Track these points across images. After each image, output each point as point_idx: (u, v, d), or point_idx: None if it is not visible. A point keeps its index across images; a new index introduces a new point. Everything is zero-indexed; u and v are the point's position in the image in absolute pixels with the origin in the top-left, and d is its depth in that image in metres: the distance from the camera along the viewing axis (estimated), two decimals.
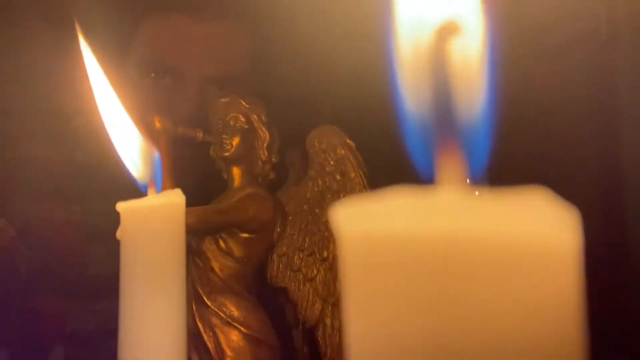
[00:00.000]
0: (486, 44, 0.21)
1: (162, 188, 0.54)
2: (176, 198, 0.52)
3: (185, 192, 0.54)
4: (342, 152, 0.73)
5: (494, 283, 0.18)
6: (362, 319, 0.20)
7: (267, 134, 0.79)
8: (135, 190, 0.99)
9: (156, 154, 0.52)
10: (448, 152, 0.20)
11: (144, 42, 1.01)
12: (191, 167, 0.83)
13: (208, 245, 0.75)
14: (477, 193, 0.19)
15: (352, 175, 0.72)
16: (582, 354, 0.18)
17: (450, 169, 0.20)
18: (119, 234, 0.53)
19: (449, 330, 0.19)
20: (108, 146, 1.01)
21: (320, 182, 0.76)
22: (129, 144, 0.50)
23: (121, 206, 0.51)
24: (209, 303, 0.74)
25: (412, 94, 0.22)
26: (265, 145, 0.79)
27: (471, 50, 0.21)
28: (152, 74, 0.99)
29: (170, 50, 1.00)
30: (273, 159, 0.79)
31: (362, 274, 0.20)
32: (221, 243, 0.75)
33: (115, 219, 1.01)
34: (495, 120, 0.20)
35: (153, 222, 0.51)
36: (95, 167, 1.01)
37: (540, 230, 0.18)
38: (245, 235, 0.75)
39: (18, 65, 1.04)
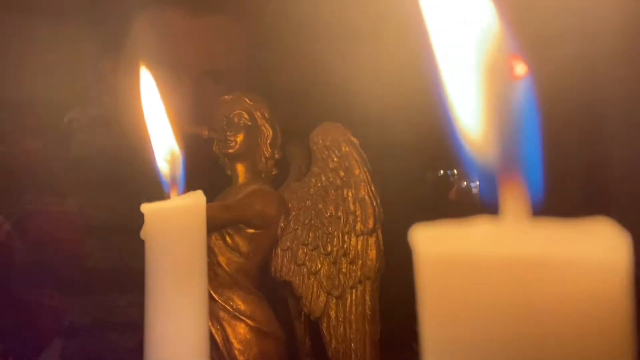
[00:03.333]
0: (532, 87, 0.25)
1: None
2: (198, 199, 0.55)
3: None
4: (347, 149, 0.77)
5: (556, 301, 0.22)
6: (437, 332, 0.24)
7: (270, 130, 0.82)
8: (133, 185, 1.02)
9: (180, 155, 0.55)
10: (511, 185, 0.24)
11: (140, 36, 1.03)
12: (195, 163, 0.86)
13: (215, 241, 0.79)
14: (543, 222, 0.22)
15: (357, 172, 0.75)
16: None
17: (513, 200, 0.24)
18: (143, 234, 0.56)
19: (518, 344, 0.22)
20: (105, 140, 1.03)
21: (323, 178, 0.79)
22: (160, 143, 0.53)
23: (145, 207, 0.54)
24: (216, 297, 0.77)
25: (473, 130, 0.25)
26: (268, 141, 0.82)
27: (523, 92, 0.25)
28: (149, 67, 1.01)
29: (166, 44, 1.02)
30: (276, 155, 0.83)
31: (437, 291, 0.24)
32: (228, 239, 0.79)
33: (110, 213, 1.04)
34: (547, 153, 0.24)
35: (176, 223, 0.54)
36: (91, 161, 1.03)
37: (597, 253, 0.22)
38: (251, 230, 0.79)
39: (13, 59, 1.06)
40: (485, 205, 0.24)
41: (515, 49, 0.24)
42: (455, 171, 1.31)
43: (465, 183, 1.31)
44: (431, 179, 1.34)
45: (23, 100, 1.09)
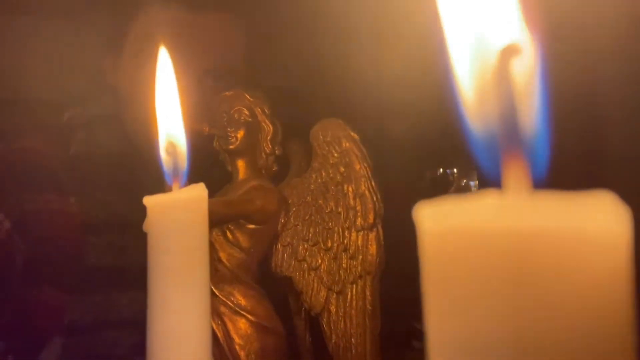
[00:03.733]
0: (539, 59, 0.26)
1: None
2: (200, 192, 0.56)
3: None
4: (347, 144, 0.77)
5: (558, 272, 0.22)
6: (441, 307, 0.25)
7: (270, 126, 0.83)
8: (134, 183, 1.02)
9: (185, 148, 0.55)
10: (513, 161, 0.24)
11: (141, 33, 1.03)
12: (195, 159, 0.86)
13: (215, 237, 0.79)
14: (544, 195, 0.23)
15: (357, 167, 0.76)
16: (633, 331, 0.22)
17: (516, 175, 0.24)
18: (145, 226, 0.56)
19: (521, 315, 0.23)
20: (105, 138, 1.04)
21: (323, 173, 0.80)
22: (165, 135, 0.54)
23: (148, 200, 0.55)
24: (217, 292, 0.77)
25: (476, 107, 0.26)
26: (268, 138, 0.82)
27: (527, 67, 0.26)
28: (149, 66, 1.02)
29: (167, 42, 1.02)
30: (276, 152, 0.83)
31: (441, 266, 0.24)
32: (228, 234, 0.79)
33: (111, 211, 1.04)
34: (552, 129, 0.25)
35: (178, 215, 0.55)
36: (91, 159, 1.03)
37: (598, 226, 0.22)
38: (251, 226, 0.79)
39: (13, 57, 1.06)
40: (487, 179, 0.25)
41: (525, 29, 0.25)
42: (455, 170, 1.32)
43: (464, 181, 1.32)
44: (430, 177, 1.35)
45: (23, 98, 1.09)
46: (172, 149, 0.56)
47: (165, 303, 0.54)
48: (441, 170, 1.33)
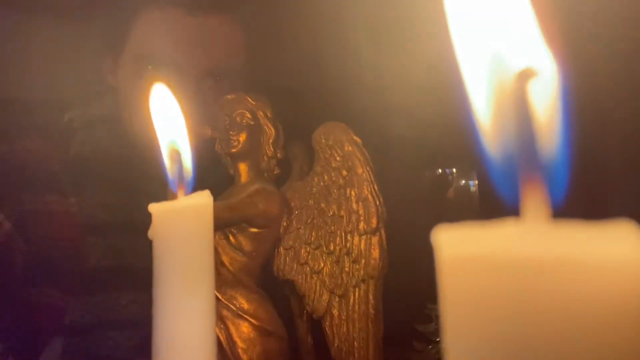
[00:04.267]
0: (559, 85, 0.26)
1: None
2: (205, 199, 0.56)
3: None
4: (350, 148, 0.77)
5: (576, 301, 0.23)
6: (459, 333, 0.25)
7: (272, 130, 0.83)
8: (134, 184, 1.02)
9: (189, 156, 0.56)
10: (532, 187, 0.24)
11: (141, 35, 1.03)
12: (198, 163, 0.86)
13: (218, 241, 0.79)
14: (564, 224, 0.23)
15: (360, 171, 0.76)
16: None
17: (535, 202, 0.24)
18: (150, 233, 0.56)
19: (539, 344, 0.23)
20: (106, 139, 1.03)
21: (326, 177, 0.80)
22: (168, 145, 0.54)
23: (153, 207, 0.55)
24: (219, 296, 0.77)
25: (493, 131, 0.26)
26: (270, 141, 0.83)
27: (547, 91, 0.26)
28: (150, 67, 1.02)
29: (167, 44, 1.02)
30: (278, 155, 0.83)
31: (459, 291, 0.25)
32: (231, 238, 0.79)
33: (111, 212, 1.04)
34: (573, 156, 0.25)
35: (183, 223, 0.55)
36: (91, 160, 1.03)
37: (618, 256, 0.22)
38: (254, 229, 0.79)
39: (13, 58, 1.06)
40: (506, 206, 0.25)
41: (546, 47, 0.25)
42: (454, 170, 1.32)
43: (463, 181, 1.32)
44: (429, 177, 1.35)
45: (23, 99, 1.09)
46: (176, 156, 0.56)
47: (170, 309, 0.54)
48: (440, 170, 1.34)
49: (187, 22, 1.02)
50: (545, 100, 0.25)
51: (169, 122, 0.52)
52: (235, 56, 1.04)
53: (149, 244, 1.05)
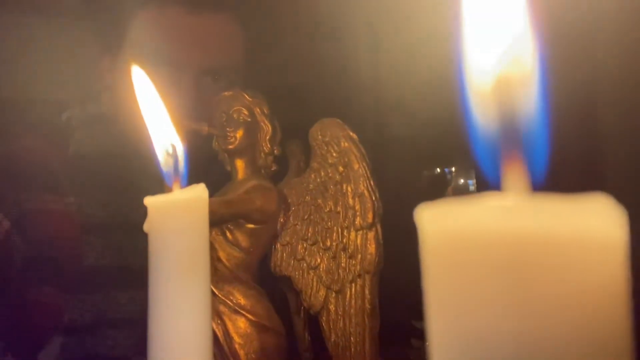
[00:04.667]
0: (537, 58, 0.26)
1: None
2: (200, 193, 0.56)
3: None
4: (346, 144, 0.78)
5: (556, 274, 0.23)
6: (442, 309, 0.25)
7: (269, 126, 0.83)
8: (132, 182, 1.03)
9: (183, 148, 0.56)
10: (512, 162, 0.25)
11: (139, 34, 1.04)
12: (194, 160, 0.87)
13: (215, 236, 0.80)
14: (543, 198, 0.23)
15: (356, 167, 0.77)
16: (630, 332, 0.23)
17: (515, 177, 0.25)
18: (146, 226, 0.57)
19: (521, 317, 0.23)
20: (104, 137, 1.04)
21: (322, 173, 0.80)
22: (160, 138, 0.54)
23: (148, 200, 0.55)
24: (216, 292, 0.78)
25: (479, 110, 0.26)
26: (267, 137, 0.83)
27: (526, 65, 0.26)
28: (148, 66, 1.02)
29: (165, 42, 1.03)
30: (275, 151, 0.84)
31: (442, 267, 0.25)
32: (228, 234, 0.80)
33: (110, 210, 1.05)
34: (551, 129, 0.25)
35: (179, 216, 0.55)
36: (89, 159, 1.04)
37: (593, 228, 0.23)
38: (251, 225, 0.80)
39: (11, 57, 1.06)
40: (486, 179, 0.25)
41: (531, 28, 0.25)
42: (453, 169, 1.32)
43: (462, 181, 1.32)
44: (428, 176, 1.36)
45: (21, 97, 1.10)
46: (170, 150, 0.56)
47: (166, 303, 0.55)
48: (439, 169, 1.34)
49: (185, 20, 1.02)
50: (526, 76, 0.26)
51: (157, 116, 0.53)
52: (232, 54, 1.04)
53: (147, 242, 1.05)
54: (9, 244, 0.98)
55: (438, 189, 1.32)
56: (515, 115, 0.25)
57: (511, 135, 0.25)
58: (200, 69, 1.00)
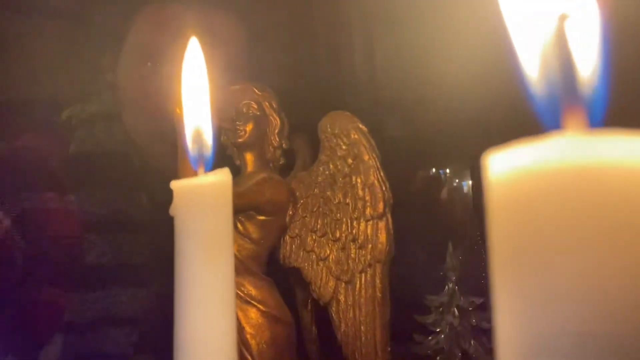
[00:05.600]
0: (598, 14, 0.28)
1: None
2: (224, 177, 0.59)
3: None
4: (356, 136, 0.80)
5: (620, 207, 0.25)
6: (507, 248, 0.27)
7: (278, 120, 0.86)
8: (132, 182, 1.04)
9: (210, 133, 0.58)
10: (572, 115, 0.27)
11: (140, 31, 1.06)
12: None
13: None
14: (605, 135, 0.26)
15: (366, 158, 0.79)
16: None
17: (575, 126, 0.27)
18: (172, 210, 0.59)
19: (586, 252, 0.25)
20: (105, 136, 1.05)
21: (331, 166, 0.83)
22: (192, 119, 0.56)
23: (175, 184, 0.57)
24: None
25: (535, 63, 0.29)
26: (276, 131, 0.85)
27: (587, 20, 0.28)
28: (149, 63, 1.05)
29: (166, 39, 1.05)
30: (283, 145, 0.86)
31: (508, 209, 0.27)
32: (239, 225, 0.82)
33: (111, 208, 1.06)
34: (610, 79, 0.27)
35: (204, 198, 0.57)
36: (90, 157, 1.05)
37: None
38: (261, 217, 0.82)
39: (12, 56, 1.08)
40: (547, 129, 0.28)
41: None
42: (448, 170, 1.35)
43: (457, 181, 1.35)
44: (423, 177, 1.38)
45: (23, 96, 1.11)
46: (197, 135, 0.58)
47: (192, 283, 0.57)
48: (434, 170, 1.37)
49: (187, 18, 1.04)
50: (586, 30, 0.28)
51: (199, 92, 0.55)
52: (234, 51, 1.07)
53: (148, 240, 1.07)
54: (9, 242, 0.98)
55: (433, 190, 1.34)
56: (575, 65, 0.27)
57: (571, 86, 0.27)
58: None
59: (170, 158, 1.05)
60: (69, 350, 1.04)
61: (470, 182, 1.35)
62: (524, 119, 0.31)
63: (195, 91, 0.54)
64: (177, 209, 0.59)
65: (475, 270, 0.98)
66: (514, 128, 0.36)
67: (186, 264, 0.58)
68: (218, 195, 0.59)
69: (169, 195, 1.09)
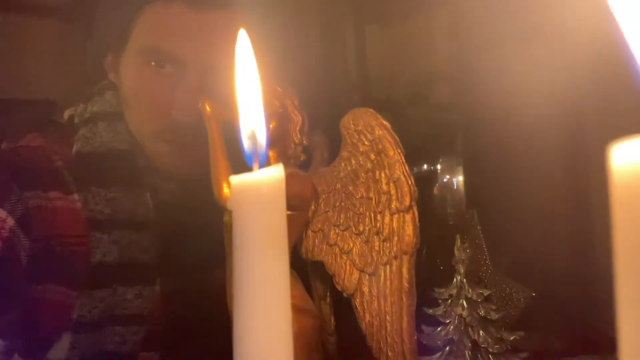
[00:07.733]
0: None
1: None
2: (279, 172, 0.63)
3: None
4: (380, 132, 0.86)
5: None
6: (634, 239, 0.32)
7: (299, 117, 0.91)
8: (135, 180, 1.08)
9: (265, 129, 0.62)
10: None
11: (144, 31, 1.10)
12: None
13: None
14: None
15: (392, 153, 0.85)
16: None
17: None
18: (229, 204, 0.63)
19: None
20: (108, 135, 1.09)
21: (353, 161, 0.88)
22: (249, 116, 0.60)
23: (234, 179, 0.62)
24: None
25: None
26: (298, 128, 0.91)
27: None
28: (153, 63, 1.08)
29: (171, 38, 1.09)
30: (304, 142, 0.91)
31: (632, 203, 0.32)
32: None
33: (115, 207, 1.10)
34: None
35: (260, 192, 0.62)
36: (94, 156, 1.08)
37: None
38: (288, 212, 0.87)
39: (15, 56, 1.10)
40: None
41: None
42: (439, 166, 1.41)
43: (447, 177, 1.42)
44: (414, 173, 1.44)
45: (25, 95, 1.13)
46: (252, 132, 0.63)
47: (251, 275, 0.61)
48: (425, 166, 1.43)
49: (190, 17, 1.08)
50: None
51: (249, 96, 0.59)
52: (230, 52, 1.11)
53: (153, 238, 1.10)
54: (14, 241, 1.01)
55: (425, 186, 1.40)
56: None
57: None
58: (205, 66, 1.06)
59: (173, 156, 1.09)
60: (75, 349, 1.06)
61: (461, 178, 1.42)
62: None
63: (248, 86, 0.58)
64: (235, 204, 0.64)
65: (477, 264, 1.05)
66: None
67: (244, 258, 0.62)
68: (274, 190, 0.64)
69: (172, 193, 1.14)
